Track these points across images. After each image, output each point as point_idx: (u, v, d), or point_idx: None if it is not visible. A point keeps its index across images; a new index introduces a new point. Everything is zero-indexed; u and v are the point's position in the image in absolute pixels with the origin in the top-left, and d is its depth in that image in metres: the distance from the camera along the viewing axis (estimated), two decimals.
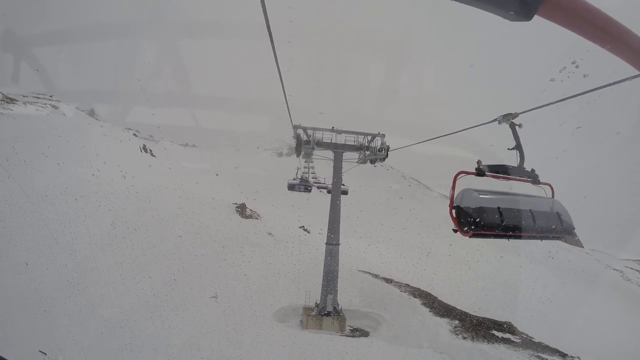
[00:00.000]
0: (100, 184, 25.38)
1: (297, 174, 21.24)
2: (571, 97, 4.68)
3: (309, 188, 19.63)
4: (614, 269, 46.97)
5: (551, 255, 42.92)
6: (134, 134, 52.35)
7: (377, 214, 45.83)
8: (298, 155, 17.27)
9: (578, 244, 69.95)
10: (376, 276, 25.11)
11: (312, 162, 24.29)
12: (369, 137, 16.41)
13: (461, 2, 1.60)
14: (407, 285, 24.00)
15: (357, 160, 17.73)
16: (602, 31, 1.74)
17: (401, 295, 21.76)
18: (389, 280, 24.50)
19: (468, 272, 30.86)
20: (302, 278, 19.47)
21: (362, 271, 25.33)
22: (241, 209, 34.41)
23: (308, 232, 34.21)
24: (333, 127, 16.16)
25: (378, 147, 15.90)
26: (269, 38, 4.24)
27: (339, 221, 17.02)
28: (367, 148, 16.41)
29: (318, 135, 16.09)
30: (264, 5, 3.45)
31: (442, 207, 60.63)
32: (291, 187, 19.17)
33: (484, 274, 30.50)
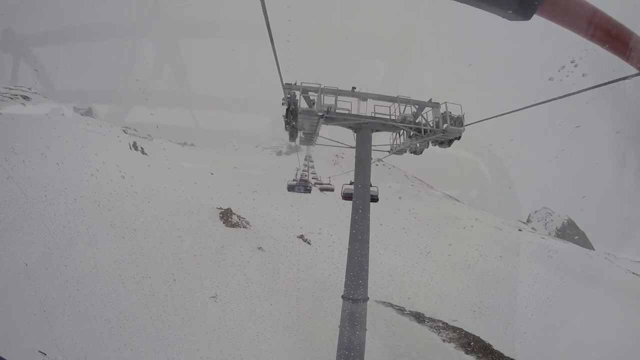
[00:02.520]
0: (99, 184, 25.38)
1: (296, 174, 21.21)
2: (565, 95, 4.67)
3: (309, 189, 19.30)
4: (633, 273, 44.87)
5: (550, 254, 42.85)
6: (124, 131, 49.67)
7: (376, 214, 45.70)
8: (292, 139, 10.11)
9: (588, 245, 68.94)
10: (402, 310, 19.28)
11: (312, 161, 24.11)
12: (416, 107, 9.43)
13: (460, 2, 1.60)
14: (446, 325, 18.17)
15: (387, 146, 10.75)
16: (601, 30, 1.74)
17: (446, 349, 15.80)
18: (420, 319, 18.49)
19: (467, 271, 30.94)
20: (303, 313, 16.40)
21: (381, 302, 19.58)
22: (225, 216, 28.06)
23: (308, 243, 29.02)
24: (354, 88, 9.31)
25: (434, 122, 8.95)
26: (267, 32, 4.21)
27: (368, 259, 8.52)
28: (420, 125, 9.07)
29: (328, 101, 8.95)
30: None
31: (443, 207, 60.89)
32: (291, 188, 18.86)
33: (483, 274, 30.55)
